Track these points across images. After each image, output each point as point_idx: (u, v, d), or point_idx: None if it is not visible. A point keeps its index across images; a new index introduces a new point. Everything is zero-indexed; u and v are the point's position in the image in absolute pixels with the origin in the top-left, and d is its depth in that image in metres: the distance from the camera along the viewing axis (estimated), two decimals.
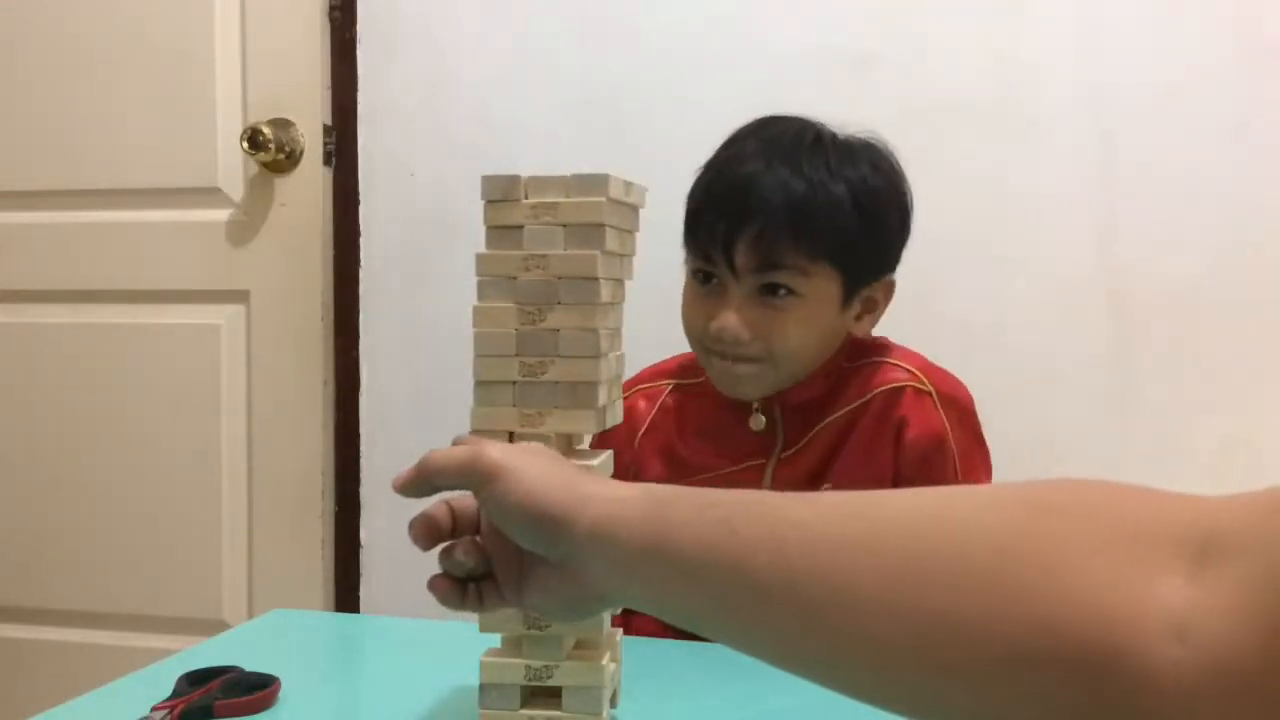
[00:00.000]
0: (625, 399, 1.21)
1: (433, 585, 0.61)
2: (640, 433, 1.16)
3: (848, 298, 1.07)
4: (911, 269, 1.60)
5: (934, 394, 1.09)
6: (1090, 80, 1.54)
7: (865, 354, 1.12)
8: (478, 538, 0.60)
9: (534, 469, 0.55)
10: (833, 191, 1.02)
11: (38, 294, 1.90)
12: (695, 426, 1.16)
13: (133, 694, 0.84)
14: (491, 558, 0.59)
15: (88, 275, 1.87)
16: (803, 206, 1.01)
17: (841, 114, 1.59)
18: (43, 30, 1.86)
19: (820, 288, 1.04)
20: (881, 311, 1.13)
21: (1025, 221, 1.57)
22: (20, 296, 1.91)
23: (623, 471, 1.16)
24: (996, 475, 1.57)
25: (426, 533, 0.60)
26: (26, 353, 1.91)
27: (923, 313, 1.60)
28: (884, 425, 1.08)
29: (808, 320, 1.05)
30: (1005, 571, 0.39)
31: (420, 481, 0.59)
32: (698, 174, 1.11)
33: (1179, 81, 1.52)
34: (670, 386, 1.19)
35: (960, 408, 1.11)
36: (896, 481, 1.09)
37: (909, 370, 1.10)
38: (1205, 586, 0.36)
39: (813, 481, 1.10)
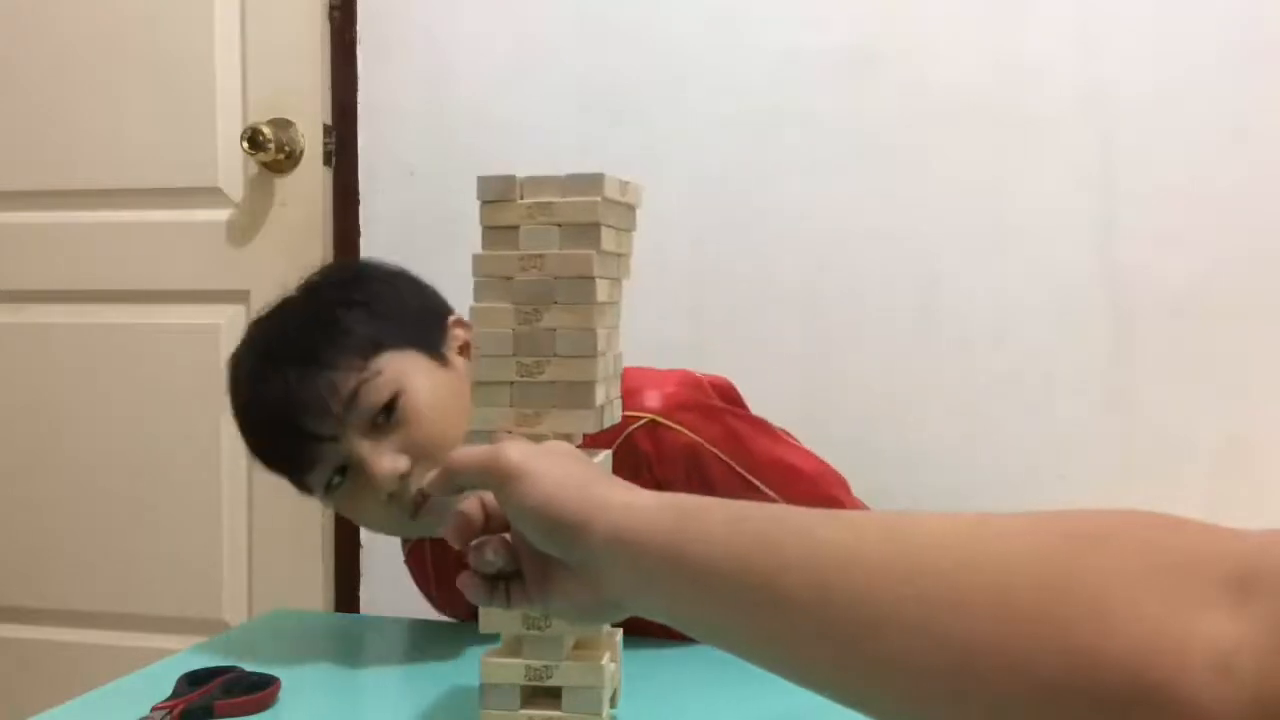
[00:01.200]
0: None
1: (462, 581, 0.61)
2: None
3: (435, 356, 1.02)
4: (912, 269, 1.60)
5: (667, 418, 1.04)
6: (1090, 80, 1.54)
7: None
8: (508, 536, 0.60)
9: (553, 472, 0.55)
10: (326, 319, 1.00)
11: (38, 294, 1.90)
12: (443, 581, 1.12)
13: (133, 694, 0.84)
14: (520, 557, 0.59)
15: (88, 275, 1.87)
16: (316, 349, 0.98)
17: (842, 114, 1.60)
18: (43, 30, 1.86)
19: (400, 367, 0.99)
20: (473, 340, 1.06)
21: (1025, 221, 1.57)
22: (20, 296, 1.91)
23: None
24: (994, 474, 1.57)
25: (459, 530, 0.61)
26: (26, 353, 1.91)
27: (923, 313, 1.60)
28: (642, 474, 1.01)
29: (424, 401, 0.98)
30: (1047, 602, 0.39)
31: (446, 480, 0.60)
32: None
33: (1179, 81, 1.52)
34: None
35: (681, 409, 1.05)
36: None
37: (639, 414, 1.04)
38: (1249, 621, 0.36)
39: None
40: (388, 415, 0.97)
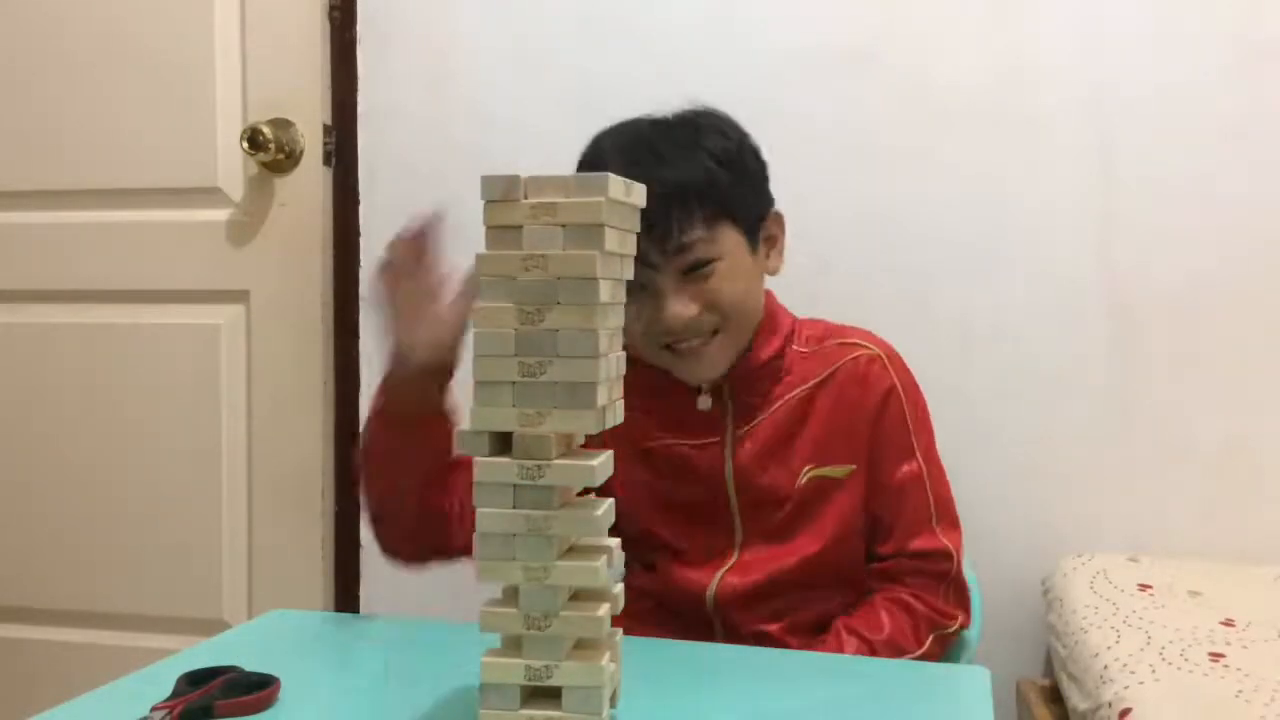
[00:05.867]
0: None
1: None
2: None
3: (753, 242, 1.20)
4: (912, 269, 1.60)
5: (883, 356, 1.23)
6: (1090, 80, 1.54)
7: (817, 340, 1.25)
8: None
9: None
10: (697, 166, 1.14)
11: (38, 294, 1.90)
12: (644, 405, 1.19)
13: (133, 694, 0.84)
14: None
15: (88, 275, 1.87)
16: (679, 191, 1.12)
17: (841, 114, 1.60)
18: (43, 30, 1.86)
19: (729, 243, 1.16)
20: (783, 242, 1.26)
21: (1025, 222, 1.57)
22: (20, 296, 1.91)
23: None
24: (998, 473, 1.58)
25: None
26: (26, 353, 1.91)
27: (923, 313, 1.60)
28: (847, 392, 1.20)
29: (733, 273, 1.16)
30: None
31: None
32: None
33: (1179, 82, 1.52)
34: None
35: (900, 362, 1.24)
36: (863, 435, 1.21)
37: (858, 343, 1.23)
38: None
39: (776, 452, 1.19)
40: (696, 269, 1.13)
